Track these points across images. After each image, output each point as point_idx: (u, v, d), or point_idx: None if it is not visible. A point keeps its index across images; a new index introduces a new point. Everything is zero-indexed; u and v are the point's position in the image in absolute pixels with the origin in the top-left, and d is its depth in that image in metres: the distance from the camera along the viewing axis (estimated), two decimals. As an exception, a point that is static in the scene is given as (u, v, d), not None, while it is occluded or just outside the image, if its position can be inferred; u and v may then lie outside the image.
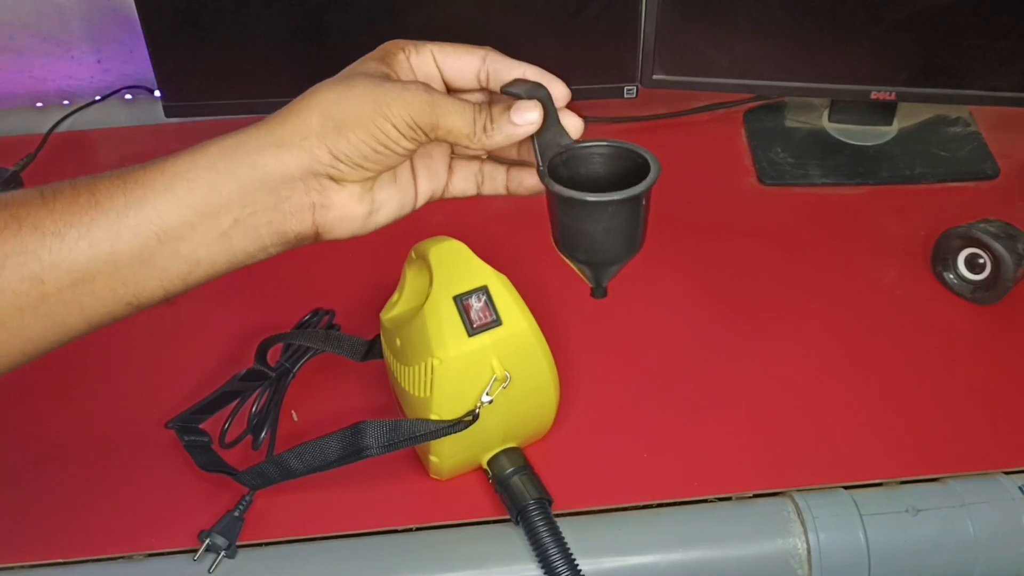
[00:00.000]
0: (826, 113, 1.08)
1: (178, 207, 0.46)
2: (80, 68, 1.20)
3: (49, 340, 0.47)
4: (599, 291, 0.53)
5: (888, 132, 1.06)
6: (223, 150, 0.47)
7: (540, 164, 0.50)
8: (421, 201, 0.54)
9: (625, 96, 1.02)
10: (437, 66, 0.51)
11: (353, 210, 0.50)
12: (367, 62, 0.50)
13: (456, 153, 0.55)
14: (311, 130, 0.47)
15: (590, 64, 1.01)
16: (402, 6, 0.97)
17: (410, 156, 0.50)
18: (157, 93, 1.03)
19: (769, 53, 0.98)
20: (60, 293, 0.45)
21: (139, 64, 1.18)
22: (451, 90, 0.53)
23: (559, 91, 0.51)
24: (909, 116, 1.07)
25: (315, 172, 0.48)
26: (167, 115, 1.03)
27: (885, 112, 1.06)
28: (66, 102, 1.19)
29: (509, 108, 0.49)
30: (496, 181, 0.55)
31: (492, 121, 0.49)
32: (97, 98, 1.17)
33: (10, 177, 1.05)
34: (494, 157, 0.55)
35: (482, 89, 0.52)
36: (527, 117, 0.49)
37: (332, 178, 0.48)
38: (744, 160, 1.05)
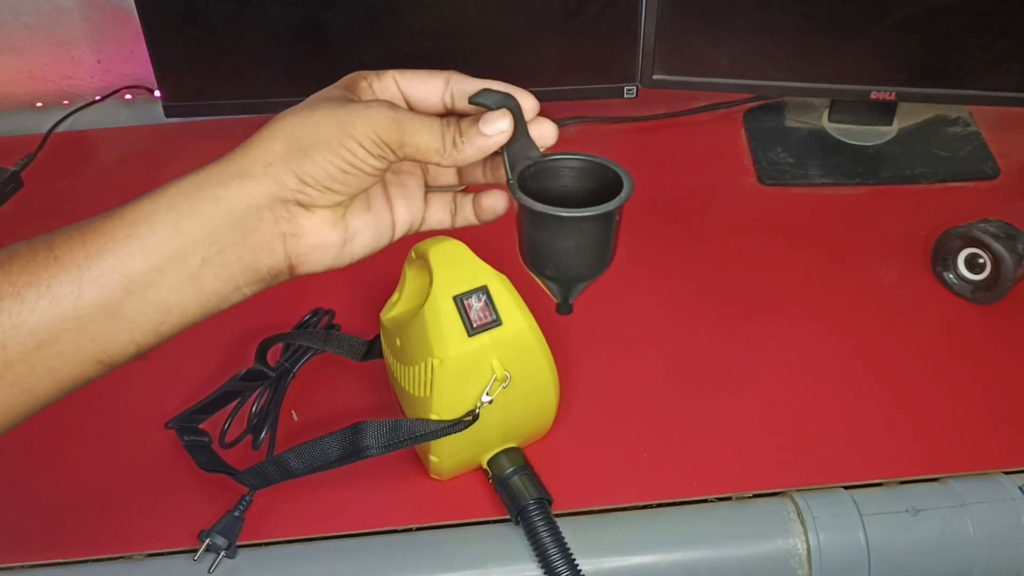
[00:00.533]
0: (826, 113, 1.08)
1: (142, 252, 0.44)
2: (80, 68, 1.20)
3: (18, 411, 0.45)
4: (565, 308, 0.52)
5: (888, 132, 1.06)
6: (183, 189, 0.46)
7: (509, 176, 0.49)
8: (400, 232, 0.52)
9: (625, 96, 1.02)
10: (401, 91, 0.50)
11: (326, 238, 0.48)
12: (329, 91, 0.49)
13: (429, 183, 0.54)
14: (275, 156, 0.45)
15: (590, 64, 1.01)
16: (402, 6, 0.97)
17: (380, 177, 0.48)
18: (157, 93, 1.03)
19: (769, 53, 0.98)
20: (25, 358, 0.43)
21: (139, 64, 1.18)
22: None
23: (528, 103, 0.49)
24: (909, 116, 1.07)
25: (282, 199, 0.46)
26: (167, 115, 1.03)
27: (885, 112, 1.06)
28: (66, 102, 1.19)
29: (478, 120, 0.47)
30: (466, 211, 0.54)
31: (461, 134, 0.47)
32: (97, 98, 1.17)
33: (10, 177, 1.05)
34: (463, 182, 0.54)
35: (448, 112, 0.51)
36: (497, 126, 0.47)
37: (301, 204, 0.46)
38: (744, 160, 1.05)
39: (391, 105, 0.47)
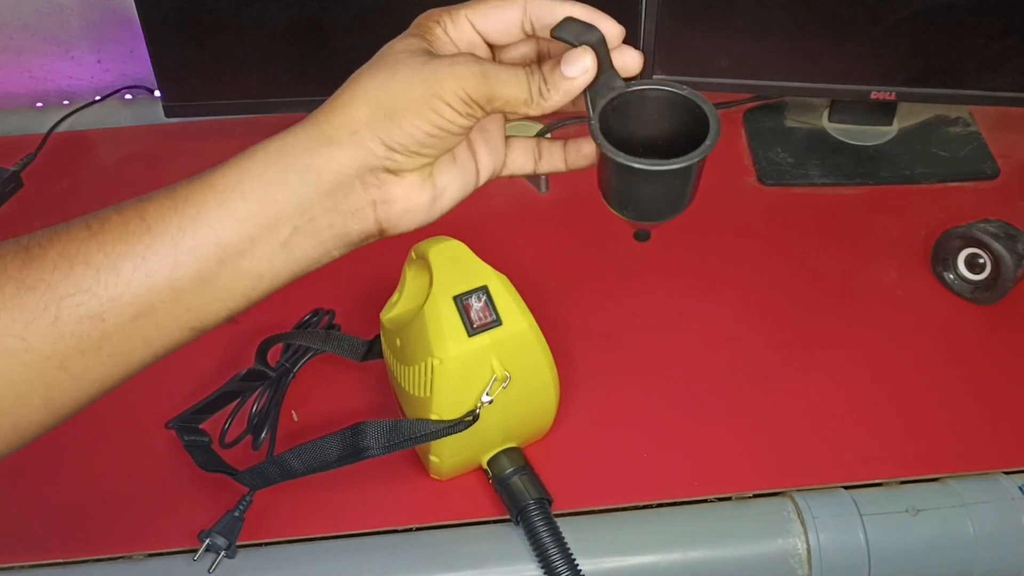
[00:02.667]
0: (826, 113, 1.08)
1: (235, 222, 0.43)
2: (80, 68, 1.20)
3: (113, 379, 0.45)
4: (643, 236, 0.51)
5: (888, 132, 1.06)
6: (271, 155, 0.44)
7: (591, 116, 0.47)
8: (483, 178, 0.51)
9: (625, 96, 1.02)
10: (476, 31, 0.48)
11: (416, 201, 0.47)
12: (405, 39, 0.47)
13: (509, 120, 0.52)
14: (360, 123, 0.44)
15: (590, 64, 1.01)
16: (402, 6, 0.96)
17: (467, 134, 0.46)
18: (157, 93, 1.03)
19: (769, 53, 0.98)
20: (123, 329, 0.43)
21: (139, 64, 1.18)
22: (497, 49, 0.50)
23: (611, 30, 0.47)
24: (909, 116, 1.07)
25: (371, 167, 0.45)
26: (167, 115, 1.03)
27: (885, 112, 1.06)
28: (66, 102, 1.19)
29: (559, 63, 0.45)
30: (554, 156, 0.52)
31: (545, 81, 0.45)
32: (97, 98, 1.17)
33: (10, 177, 1.05)
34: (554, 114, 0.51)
35: (530, 38, 0.49)
36: (580, 67, 0.45)
37: (389, 170, 0.45)
38: (744, 160, 1.05)
39: (476, 59, 0.45)
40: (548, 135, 0.53)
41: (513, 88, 0.45)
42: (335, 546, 0.71)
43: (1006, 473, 0.74)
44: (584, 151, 0.52)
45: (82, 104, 1.16)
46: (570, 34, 0.45)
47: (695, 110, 0.47)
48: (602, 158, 0.47)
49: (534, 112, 0.46)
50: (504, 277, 0.67)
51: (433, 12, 0.48)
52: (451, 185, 0.49)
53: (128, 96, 1.18)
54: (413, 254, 0.70)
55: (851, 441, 0.76)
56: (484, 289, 0.66)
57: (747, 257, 0.93)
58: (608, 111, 0.47)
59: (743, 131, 1.09)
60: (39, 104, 1.21)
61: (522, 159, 0.52)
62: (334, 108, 0.45)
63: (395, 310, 0.71)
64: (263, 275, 0.45)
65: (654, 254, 0.93)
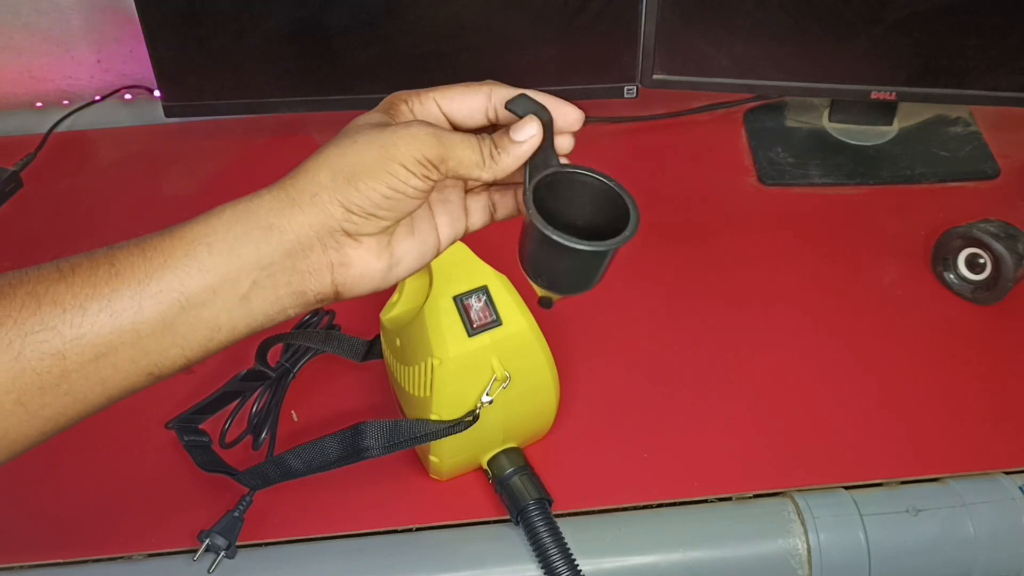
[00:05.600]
0: (826, 113, 1.08)
1: (199, 273, 0.46)
2: (80, 68, 1.20)
3: (68, 417, 0.46)
4: (547, 303, 0.54)
5: (888, 132, 1.06)
6: (238, 214, 0.47)
7: (527, 187, 0.50)
8: (444, 246, 0.54)
9: (625, 96, 1.02)
10: (442, 111, 0.51)
11: (372, 266, 0.49)
12: (370, 115, 0.50)
13: (468, 188, 0.55)
14: (321, 186, 0.47)
15: (590, 64, 1.01)
16: (402, 6, 0.97)
17: (424, 199, 0.49)
18: (157, 93, 1.03)
19: (769, 53, 0.98)
20: (82, 368, 0.45)
21: (139, 64, 1.18)
22: (460, 130, 0.52)
23: (571, 114, 0.51)
24: (909, 116, 1.07)
25: (330, 229, 0.47)
26: (167, 115, 1.03)
27: (885, 112, 1.06)
28: (66, 102, 1.19)
29: (508, 131, 0.49)
30: (507, 202, 0.55)
31: (496, 145, 0.49)
32: (97, 98, 1.17)
33: (10, 177, 1.05)
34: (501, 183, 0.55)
35: (493, 126, 0.52)
36: (526, 132, 0.49)
37: (347, 233, 0.48)
38: (744, 160, 1.05)
39: (430, 124, 0.48)
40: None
41: (465, 150, 0.48)
42: (335, 546, 0.71)
43: (1006, 473, 0.74)
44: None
45: (82, 104, 1.16)
46: (522, 108, 0.49)
47: (618, 201, 0.50)
48: (529, 227, 0.50)
49: (487, 176, 0.49)
50: (504, 277, 0.67)
51: (402, 93, 0.51)
52: (407, 255, 0.51)
53: (128, 96, 1.18)
54: (413, 254, 0.70)
55: (851, 441, 0.76)
56: (484, 289, 0.66)
57: (748, 257, 0.93)
58: (542, 186, 0.50)
59: (743, 131, 1.09)
60: (39, 104, 1.21)
61: (480, 216, 0.55)
62: (298, 173, 0.48)
63: (395, 310, 0.71)
64: (221, 326, 0.47)
65: (654, 254, 0.93)
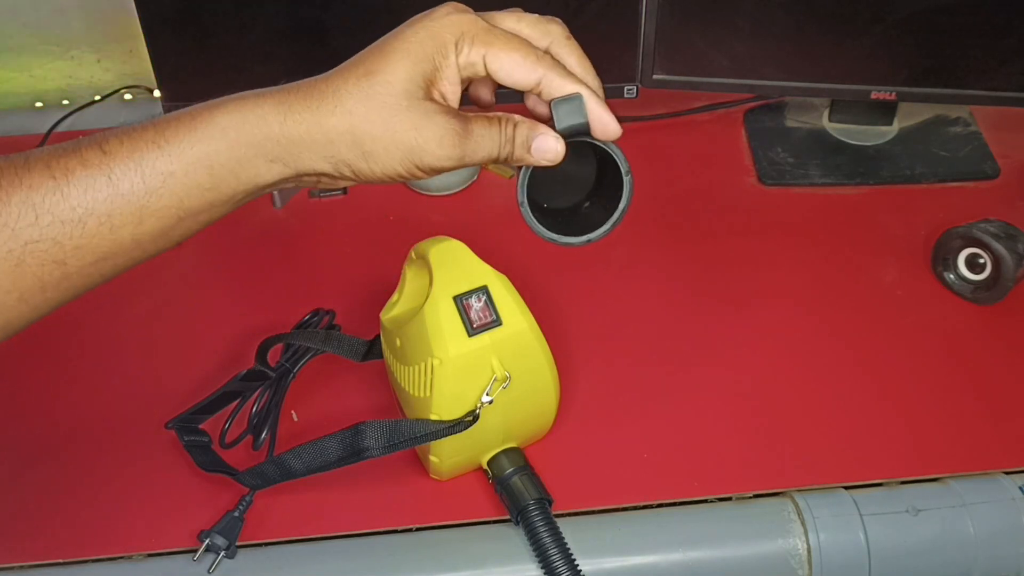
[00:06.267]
0: (826, 113, 1.08)
1: (198, 191, 0.49)
2: (80, 68, 1.20)
3: (69, 301, 0.48)
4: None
5: (888, 132, 1.06)
6: (244, 136, 0.50)
7: (521, 181, 0.52)
8: None
9: (625, 96, 1.02)
10: (486, 68, 0.49)
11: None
12: (410, 75, 0.49)
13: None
14: (337, 150, 0.48)
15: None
16: (402, 5, 0.96)
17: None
18: (157, 93, 1.03)
19: (769, 53, 0.98)
20: (82, 270, 0.47)
21: (139, 64, 1.18)
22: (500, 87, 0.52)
23: (611, 130, 0.50)
24: (909, 116, 1.07)
25: (327, 173, 0.50)
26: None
27: (885, 112, 1.06)
28: (66, 102, 1.19)
29: (533, 133, 0.49)
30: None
31: (514, 151, 0.50)
32: (97, 98, 1.17)
33: (10, 177, 1.05)
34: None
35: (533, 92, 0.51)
36: (548, 153, 0.49)
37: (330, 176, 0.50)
38: (744, 160, 1.05)
39: (461, 137, 0.48)
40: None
41: (483, 154, 0.49)
42: (335, 546, 0.71)
43: (1006, 473, 0.74)
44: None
45: (82, 104, 1.16)
46: (563, 111, 0.49)
47: (610, 159, 0.52)
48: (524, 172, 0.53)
49: (493, 170, 0.51)
50: (504, 277, 0.67)
51: (457, 24, 0.49)
52: None
53: (128, 96, 1.18)
54: (413, 254, 0.70)
55: (851, 441, 0.76)
56: (484, 289, 0.66)
57: (748, 257, 0.93)
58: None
59: (743, 131, 1.09)
60: (39, 104, 1.21)
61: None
62: (322, 124, 0.49)
63: (395, 310, 0.71)
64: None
65: (654, 254, 0.93)
